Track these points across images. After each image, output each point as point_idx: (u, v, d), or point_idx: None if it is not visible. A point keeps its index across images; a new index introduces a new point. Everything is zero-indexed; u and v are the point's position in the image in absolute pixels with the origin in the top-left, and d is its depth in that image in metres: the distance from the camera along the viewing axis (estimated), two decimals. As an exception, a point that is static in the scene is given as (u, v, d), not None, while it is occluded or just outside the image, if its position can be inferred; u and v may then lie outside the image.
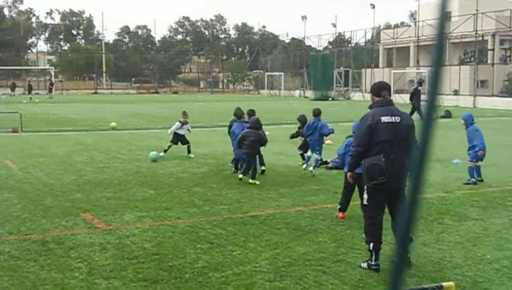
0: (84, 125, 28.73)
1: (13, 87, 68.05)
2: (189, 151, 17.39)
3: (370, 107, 7.50)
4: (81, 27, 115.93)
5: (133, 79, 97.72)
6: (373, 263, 7.15)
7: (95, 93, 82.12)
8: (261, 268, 7.18)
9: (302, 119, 15.96)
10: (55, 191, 12.04)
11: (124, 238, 8.53)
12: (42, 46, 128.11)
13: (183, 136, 17.59)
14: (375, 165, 7.04)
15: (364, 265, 7.22)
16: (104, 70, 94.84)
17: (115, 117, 32.46)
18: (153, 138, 22.88)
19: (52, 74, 73.26)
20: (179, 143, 17.51)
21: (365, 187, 7.32)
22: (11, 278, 6.76)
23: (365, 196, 7.34)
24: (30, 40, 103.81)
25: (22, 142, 21.34)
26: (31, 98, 58.77)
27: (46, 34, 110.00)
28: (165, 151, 17.24)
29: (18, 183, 13.02)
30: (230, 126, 15.21)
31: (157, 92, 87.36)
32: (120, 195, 11.74)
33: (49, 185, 12.82)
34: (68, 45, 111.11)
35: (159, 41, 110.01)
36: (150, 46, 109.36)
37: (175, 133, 17.49)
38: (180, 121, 17.52)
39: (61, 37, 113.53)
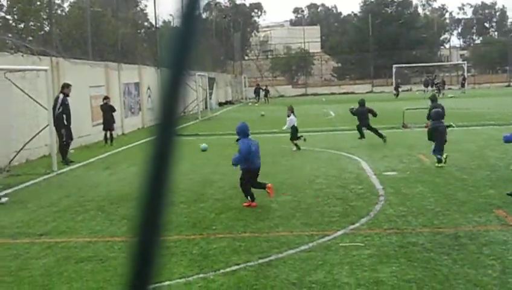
0: (494, 119, 27.87)
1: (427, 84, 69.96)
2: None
3: None
4: (494, 19, 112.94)
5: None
6: None
7: (508, 86, 78.87)
8: None
9: None
10: (467, 186, 12.04)
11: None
12: (454, 41, 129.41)
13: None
14: None
15: None
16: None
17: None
18: None
19: (465, 68, 73.28)
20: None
21: None
22: (424, 270, 7.02)
23: None
24: (443, 37, 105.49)
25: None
26: (443, 94, 59.65)
27: (459, 29, 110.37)
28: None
29: (431, 177, 13.40)
30: None
31: None
32: None
33: (461, 179, 12.88)
34: (480, 38, 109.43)
35: None
36: None
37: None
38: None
39: (473, 30, 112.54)
